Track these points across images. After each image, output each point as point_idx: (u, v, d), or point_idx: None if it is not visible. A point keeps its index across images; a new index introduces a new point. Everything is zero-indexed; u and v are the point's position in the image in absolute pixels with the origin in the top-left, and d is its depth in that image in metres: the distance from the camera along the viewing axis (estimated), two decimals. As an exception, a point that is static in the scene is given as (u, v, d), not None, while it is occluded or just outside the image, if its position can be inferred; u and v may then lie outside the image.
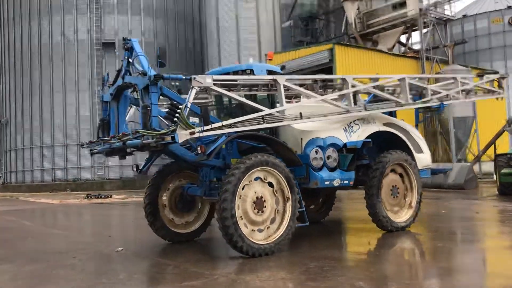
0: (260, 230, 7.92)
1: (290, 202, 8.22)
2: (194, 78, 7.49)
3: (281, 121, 8.46)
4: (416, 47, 35.57)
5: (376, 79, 10.50)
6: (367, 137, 9.98)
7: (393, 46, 33.32)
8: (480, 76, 12.92)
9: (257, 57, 31.64)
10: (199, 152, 7.58)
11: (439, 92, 11.56)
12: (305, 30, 41.48)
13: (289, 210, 8.22)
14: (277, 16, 34.42)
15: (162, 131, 7.06)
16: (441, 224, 10.90)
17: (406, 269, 7.00)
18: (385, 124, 10.60)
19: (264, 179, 8.01)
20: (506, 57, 45.13)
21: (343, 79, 9.78)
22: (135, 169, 9.43)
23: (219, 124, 7.60)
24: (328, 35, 39.59)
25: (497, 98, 13.89)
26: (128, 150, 8.16)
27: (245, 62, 9.24)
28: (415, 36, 34.59)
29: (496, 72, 13.28)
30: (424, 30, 31.32)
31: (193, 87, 7.49)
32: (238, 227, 7.50)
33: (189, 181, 9.82)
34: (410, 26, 32.39)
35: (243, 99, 8.17)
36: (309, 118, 8.87)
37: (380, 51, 29.21)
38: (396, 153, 10.02)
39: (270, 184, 8.10)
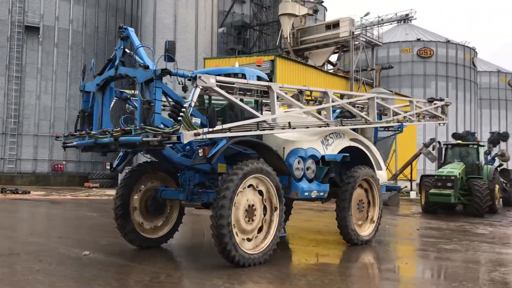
0: (249, 240, 7.76)
1: (277, 211, 8.16)
2: (200, 77, 7.16)
3: (273, 129, 8.39)
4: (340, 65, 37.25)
5: (350, 96, 10.84)
6: (339, 151, 10.25)
7: (323, 64, 34.64)
8: (430, 101, 13.83)
9: (193, 60, 31.24)
10: (200, 155, 7.23)
11: (399, 113, 12.20)
12: (237, 39, 41.70)
13: (276, 219, 8.15)
14: (215, 21, 34.30)
15: (167, 130, 6.64)
16: (395, 239, 11.40)
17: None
18: (351, 140, 10.95)
19: (256, 187, 7.87)
20: (413, 85, 48.98)
21: (325, 93, 9.94)
22: (108, 167, 8.75)
23: (219, 127, 7.33)
24: (260, 46, 40.14)
25: (439, 124, 15.00)
26: (113, 147, 7.58)
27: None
28: (344, 56, 36.25)
29: (442, 99, 14.28)
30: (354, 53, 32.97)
31: (197, 86, 7.17)
32: (233, 236, 7.28)
33: (160, 183, 9.36)
34: (340, 47, 33.89)
35: (243, 104, 7.97)
36: (294, 128, 8.89)
37: (315, 67, 30.23)
38: (364, 169, 10.38)
39: (260, 193, 7.98)
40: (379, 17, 38.26)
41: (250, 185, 7.75)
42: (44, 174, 32.24)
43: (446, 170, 18.93)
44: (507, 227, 14.96)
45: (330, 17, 42.22)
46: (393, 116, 11.89)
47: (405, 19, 59.63)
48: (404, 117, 12.39)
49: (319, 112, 9.99)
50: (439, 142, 22.47)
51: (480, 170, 20.22)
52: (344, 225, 9.86)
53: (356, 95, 10.96)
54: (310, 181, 9.35)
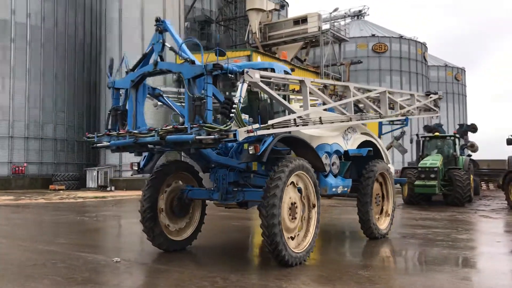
0: (292, 238, 7.54)
1: (315, 208, 7.99)
2: (247, 72, 6.85)
3: (307, 125, 8.20)
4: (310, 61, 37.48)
5: (365, 90, 10.80)
6: (357, 146, 10.22)
7: (291, 60, 34.72)
8: (427, 95, 14.08)
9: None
10: (250, 152, 6.91)
11: (404, 107, 12.32)
12: (200, 34, 41.05)
13: (314, 217, 7.98)
14: (182, 15, 33.55)
15: (223, 127, 6.28)
16: (406, 231, 11.51)
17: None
18: (362, 134, 10.94)
19: (296, 184, 7.66)
20: (369, 80, 50.21)
21: (346, 87, 9.85)
22: (135, 167, 8.22)
23: (266, 124, 7.04)
24: (227, 42, 39.66)
25: (432, 116, 15.33)
26: (152, 147, 7.12)
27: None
28: (312, 52, 36.50)
29: (436, 93, 14.58)
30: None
31: (244, 81, 6.85)
32: (283, 235, 7.05)
33: (184, 183, 8.95)
34: (309, 42, 34.08)
35: (282, 100, 7.72)
36: (322, 123, 8.73)
37: (289, 62, 30.19)
38: (381, 163, 10.41)
39: (299, 190, 7.78)
40: (330, 13, 38.61)
41: (291, 183, 7.53)
42: (3, 177, 30.40)
43: (429, 162, 19.41)
44: (490, 213, 15.52)
45: (291, 13, 42.33)
46: (400, 109, 12.00)
47: (358, 15, 60.86)
48: (408, 110, 12.54)
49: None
50: (417, 135, 23.05)
51: (457, 161, 20.93)
52: (366, 220, 9.84)
53: (371, 89, 10.93)
54: (335, 176, 9.26)
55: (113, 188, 28.36)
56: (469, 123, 26.20)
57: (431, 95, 14.22)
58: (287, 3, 45.15)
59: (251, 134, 6.57)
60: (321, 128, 9.28)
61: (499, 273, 7.19)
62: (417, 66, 55.66)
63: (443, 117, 62.91)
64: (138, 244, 9.79)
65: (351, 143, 10.08)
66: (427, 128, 25.46)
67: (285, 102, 7.78)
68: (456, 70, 67.79)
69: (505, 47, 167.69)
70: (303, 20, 33.65)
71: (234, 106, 6.51)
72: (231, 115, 6.46)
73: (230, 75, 6.73)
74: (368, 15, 57.09)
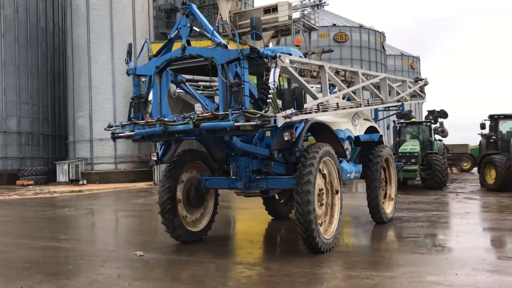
0: (320, 224, 7.52)
1: (339, 194, 8.00)
2: (279, 57, 6.72)
3: (327, 110, 8.17)
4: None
5: (368, 75, 10.87)
6: (365, 132, 10.32)
7: (262, 48, 34.55)
8: (416, 81, 14.36)
9: (133, 44, 29.53)
10: (285, 138, 6.80)
11: (400, 93, 12.52)
12: (166, 22, 40.20)
13: (338, 203, 8.00)
14: (151, 3, 32.69)
15: (263, 113, 6.12)
16: (406, 214, 11.74)
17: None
18: (365, 120, 11.05)
19: (321, 170, 7.63)
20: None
21: (355, 73, 9.89)
22: (154, 158, 7.93)
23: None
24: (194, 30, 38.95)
25: (418, 102, 15.66)
26: (180, 135, 6.87)
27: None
28: (284, 40, 36.49)
29: (423, 79, 14.90)
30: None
31: (276, 66, 6.72)
32: (317, 222, 7.02)
33: (198, 173, 8.74)
34: (279, 31, 34.04)
35: (307, 85, 7.64)
36: (339, 109, 8.74)
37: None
38: (386, 148, 10.56)
39: (323, 176, 7.76)
40: (301, 1, 38.82)
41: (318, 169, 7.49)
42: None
43: (408, 147, 19.88)
44: (471, 194, 16.11)
45: (257, 3, 42.14)
46: (396, 95, 12.19)
47: (318, 4, 61.12)
48: (402, 96, 12.75)
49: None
50: (394, 121, 23.54)
51: (433, 146, 21.57)
52: (376, 204, 9.96)
53: (374, 75, 11.02)
54: (347, 162, 9.31)
55: (85, 181, 27.49)
56: (438, 109, 26.95)
57: (419, 81, 14.53)
58: (254, -9, 44.79)
59: (288, 120, 6.47)
60: (333, 115, 9.29)
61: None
62: (376, 55, 56.86)
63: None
64: (147, 237, 9.54)
65: (359, 129, 10.16)
66: (399, 115, 26.07)
67: (309, 87, 7.71)
68: (412, 59, 69.69)
69: (454, 37, 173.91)
70: (274, 8, 33.55)
71: (271, 91, 6.38)
72: (268, 100, 6.34)
73: (265, 59, 6.55)
74: (328, 4, 57.59)
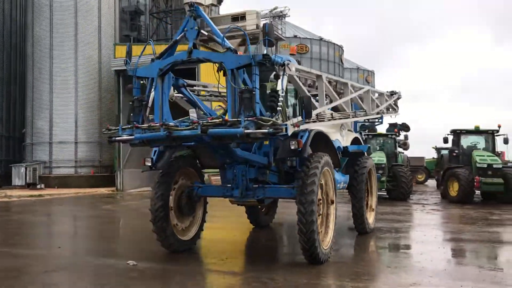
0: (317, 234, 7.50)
1: (334, 205, 8.03)
2: (287, 65, 6.69)
3: (330, 120, 8.23)
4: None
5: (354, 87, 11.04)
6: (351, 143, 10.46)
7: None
8: (392, 94, 14.72)
9: (97, 45, 28.76)
10: (292, 147, 6.74)
11: (379, 105, 12.80)
12: (130, 25, 39.39)
13: (333, 213, 8.02)
14: (117, 4, 31.98)
15: (274, 121, 6.04)
16: (385, 225, 11.95)
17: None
18: (349, 131, 11.22)
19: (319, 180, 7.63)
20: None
21: (345, 84, 10.01)
22: (149, 163, 7.65)
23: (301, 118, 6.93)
24: (159, 35, 38.39)
25: (390, 116, 16.07)
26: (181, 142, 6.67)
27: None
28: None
29: (397, 93, 15.28)
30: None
31: (284, 74, 6.68)
32: (318, 232, 6.99)
33: (188, 180, 8.54)
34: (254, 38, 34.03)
35: (308, 94, 7.63)
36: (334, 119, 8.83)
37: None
38: (370, 159, 10.74)
39: (320, 186, 7.76)
40: (270, 11, 39.11)
41: (316, 179, 7.48)
42: None
43: (376, 158, 20.31)
44: (436, 206, 16.67)
45: (222, 10, 41.91)
46: (376, 108, 12.44)
47: (280, 15, 61.80)
48: (381, 109, 13.03)
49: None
50: (360, 133, 24.00)
51: (397, 158, 22.18)
52: (361, 215, 10.07)
53: (360, 86, 11.19)
54: (336, 172, 9.38)
55: (42, 185, 26.31)
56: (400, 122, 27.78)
57: (394, 95, 14.91)
58: (221, -1, 44.72)
59: (297, 129, 6.44)
60: (326, 125, 9.36)
61: None
62: (334, 68, 57.99)
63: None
64: (132, 244, 9.20)
65: (346, 140, 10.29)
66: (363, 127, 26.66)
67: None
68: (367, 73, 71.65)
69: (407, 52, 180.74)
70: (242, 17, 33.57)
71: (281, 99, 6.33)
72: (278, 108, 6.28)
73: (276, 66, 6.50)
74: (289, 16, 58.51)
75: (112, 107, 28.35)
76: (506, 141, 20.47)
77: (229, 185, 7.99)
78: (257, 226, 11.32)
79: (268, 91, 6.81)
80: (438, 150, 34.86)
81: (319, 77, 8.29)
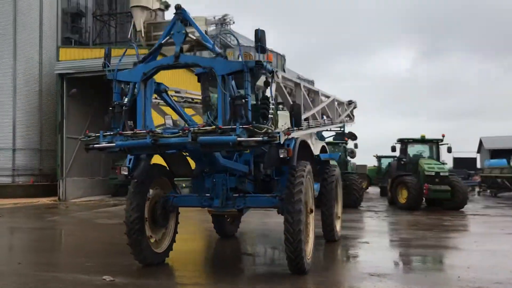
0: (300, 244, 7.40)
1: (312, 214, 7.97)
2: (276, 72, 6.57)
3: (302, 129, 8.17)
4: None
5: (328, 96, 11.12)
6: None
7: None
8: (350, 103, 15.01)
9: (37, 47, 27.21)
10: (281, 156, 6.59)
11: (341, 114, 13.00)
12: (71, 27, 37.80)
13: (312, 222, 7.97)
14: (59, 4, 30.53)
15: (269, 128, 5.88)
16: (346, 232, 12.08)
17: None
18: (316, 139, 11.29)
19: (301, 189, 7.55)
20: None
21: (316, 92, 10.04)
22: (125, 172, 7.19)
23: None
24: (102, 38, 37.08)
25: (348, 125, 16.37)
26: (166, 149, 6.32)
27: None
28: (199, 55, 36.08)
29: (353, 101, 15.55)
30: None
31: (273, 81, 6.55)
32: (304, 242, 6.88)
33: (161, 190, 8.17)
34: (195, 44, 33.67)
35: (290, 101, 7.54)
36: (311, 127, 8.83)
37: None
38: (337, 168, 10.84)
39: None
40: (220, 18, 38.94)
41: (300, 188, 7.40)
42: None
43: (329, 166, 20.64)
44: (387, 213, 17.17)
45: (168, 16, 41.18)
46: (339, 116, 12.63)
47: (223, 23, 61.79)
48: (343, 118, 13.25)
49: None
50: (312, 141, 24.30)
51: (347, 165, 22.69)
52: (330, 223, 10.10)
53: (328, 95, 11.27)
54: None
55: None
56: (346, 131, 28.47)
57: (351, 104, 15.21)
58: (169, 4, 43.96)
59: (289, 137, 6.32)
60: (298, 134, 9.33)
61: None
62: (278, 77, 58.78)
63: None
64: (100, 258, 8.64)
65: (315, 148, 10.30)
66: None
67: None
68: (308, 82, 73.09)
69: (344, 62, 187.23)
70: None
71: (272, 107, 6.19)
72: (270, 116, 6.13)
73: (267, 73, 6.34)
74: (234, 23, 58.66)
75: (54, 112, 26.93)
76: (449, 150, 21.53)
77: (207, 195, 7.72)
78: (223, 236, 11.07)
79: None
80: (378, 158, 36.16)
81: (297, 85, 8.24)
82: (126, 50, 6.94)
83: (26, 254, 9.13)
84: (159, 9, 34.94)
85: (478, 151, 59.49)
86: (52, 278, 6.69)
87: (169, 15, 53.87)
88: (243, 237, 11.38)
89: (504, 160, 39.42)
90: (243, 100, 5.96)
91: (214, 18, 36.98)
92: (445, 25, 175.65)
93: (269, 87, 6.41)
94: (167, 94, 7.26)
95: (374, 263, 8.09)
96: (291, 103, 7.23)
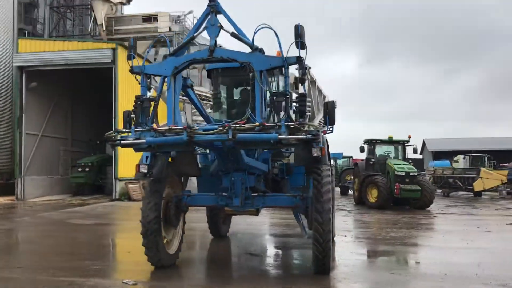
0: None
1: (329, 213, 7.97)
2: (309, 69, 6.48)
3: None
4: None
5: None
6: None
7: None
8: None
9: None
10: (315, 155, 6.48)
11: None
12: (24, 18, 35.88)
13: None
14: (15, -7, 28.92)
15: (314, 125, 5.81)
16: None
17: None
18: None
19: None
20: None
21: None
22: (145, 170, 6.82)
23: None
24: (59, 31, 35.34)
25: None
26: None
27: None
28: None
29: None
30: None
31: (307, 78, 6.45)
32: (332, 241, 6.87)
33: (172, 189, 7.89)
34: (158, 41, 32.89)
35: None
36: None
37: (148, 61, 28.60)
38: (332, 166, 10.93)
39: None
40: (185, 14, 38.35)
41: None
42: None
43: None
44: (358, 212, 17.55)
45: (127, 10, 39.97)
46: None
47: (177, 20, 61.19)
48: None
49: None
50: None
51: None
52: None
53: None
54: None
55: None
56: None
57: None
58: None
59: (325, 135, 6.26)
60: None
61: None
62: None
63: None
64: (109, 261, 8.23)
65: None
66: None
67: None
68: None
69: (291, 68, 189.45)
70: (154, 18, 32.38)
71: (309, 104, 6.11)
72: (308, 113, 6.05)
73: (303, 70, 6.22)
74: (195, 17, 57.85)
75: (9, 107, 25.48)
76: (415, 151, 22.32)
77: (224, 194, 7.53)
78: (217, 236, 10.88)
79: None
80: (334, 159, 36.87)
81: (313, 82, 8.20)
82: (153, 41, 6.60)
83: (21, 258, 8.49)
84: (121, 2, 33.93)
85: (421, 153, 62.11)
86: (71, 283, 6.26)
87: (130, 9, 52.39)
88: (237, 237, 11.23)
89: (447, 161, 41.50)
90: (284, 97, 5.83)
91: (185, 15, 36.26)
92: (388, 31, 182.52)
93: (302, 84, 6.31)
94: (193, 90, 7.00)
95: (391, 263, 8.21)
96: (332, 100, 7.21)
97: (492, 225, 14.26)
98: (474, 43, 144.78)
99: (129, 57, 6.39)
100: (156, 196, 7.14)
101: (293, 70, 6.84)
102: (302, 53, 5.89)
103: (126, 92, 23.80)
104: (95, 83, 26.41)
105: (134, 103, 6.30)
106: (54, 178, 26.28)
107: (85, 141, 28.01)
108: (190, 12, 32.46)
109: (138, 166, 6.87)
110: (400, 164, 20.31)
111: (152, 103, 6.25)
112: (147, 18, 32.65)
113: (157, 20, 32.35)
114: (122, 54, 23.33)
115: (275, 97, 5.88)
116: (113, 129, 6.31)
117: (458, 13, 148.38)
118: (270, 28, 5.99)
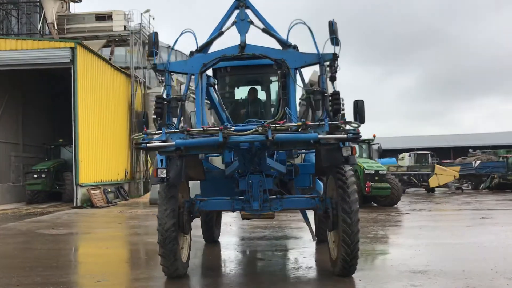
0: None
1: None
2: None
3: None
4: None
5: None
6: None
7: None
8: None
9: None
10: (345, 154, 6.28)
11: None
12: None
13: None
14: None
15: (356, 123, 5.63)
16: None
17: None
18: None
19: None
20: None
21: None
22: (164, 175, 6.34)
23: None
24: (5, 29, 33.24)
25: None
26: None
27: None
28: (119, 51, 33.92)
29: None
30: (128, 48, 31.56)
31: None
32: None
33: (182, 194, 7.48)
34: (113, 40, 31.77)
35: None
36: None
37: (107, 61, 27.47)
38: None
39: None
40: (142, 13, 37.30)
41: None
42: None
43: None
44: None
45: (78, 8, 38.23)
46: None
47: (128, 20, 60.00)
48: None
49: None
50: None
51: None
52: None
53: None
54: None
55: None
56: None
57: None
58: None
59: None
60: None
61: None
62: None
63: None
64: (115, 275, 7.65)
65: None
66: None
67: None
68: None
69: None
70: (108, 16, 31.14)
71: (343, 102, 5.94)
72: (343, 112, 5.88)
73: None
74: (154, 19, 56.37)
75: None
76: (380, 150, 22.85)
77: (241, 197, 7.21)
78: (210, 242, 10.53)
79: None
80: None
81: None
82: (178, 37, 6.16)
83: (19, 273, 7.69)
84: (72, 0, 32.43)
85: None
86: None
87: (81, 7, 50.16)
88: (231, 242, 10.94)
89: (394, 159, 43.00)
90: (322, 95, 5.63)
91: (141, 14, 35.14)
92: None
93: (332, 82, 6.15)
94: (214, 89, 6.64)
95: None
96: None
97: (467, 219, 14.75)
98: (409, 45, 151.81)
99: (151, 54, 5.94)
100: (172, 202, 6.72)
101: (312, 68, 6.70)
102: (337, 49, 5.73)
103: (86, 92, 22.78)
104: (51, 84, 25.08)
105: (155, 104, 5.86)
106: (5, 185, 24.68)
107: (38, 145, 26.52)
108: (147, 11, 31.47)
109: (155, 170, 6.41)
110: (369, 163, 20.68)
111: (179, 103, 5.84)
112: (101, 17, 31.39)
113: (112, 19, 31.17)
114: (81, 53, 22.31)
115: (311, 96, 5.67)
116: (142, 132, 5.81)
117: (397, 17, 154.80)
118: (305, 24, 5.76)
